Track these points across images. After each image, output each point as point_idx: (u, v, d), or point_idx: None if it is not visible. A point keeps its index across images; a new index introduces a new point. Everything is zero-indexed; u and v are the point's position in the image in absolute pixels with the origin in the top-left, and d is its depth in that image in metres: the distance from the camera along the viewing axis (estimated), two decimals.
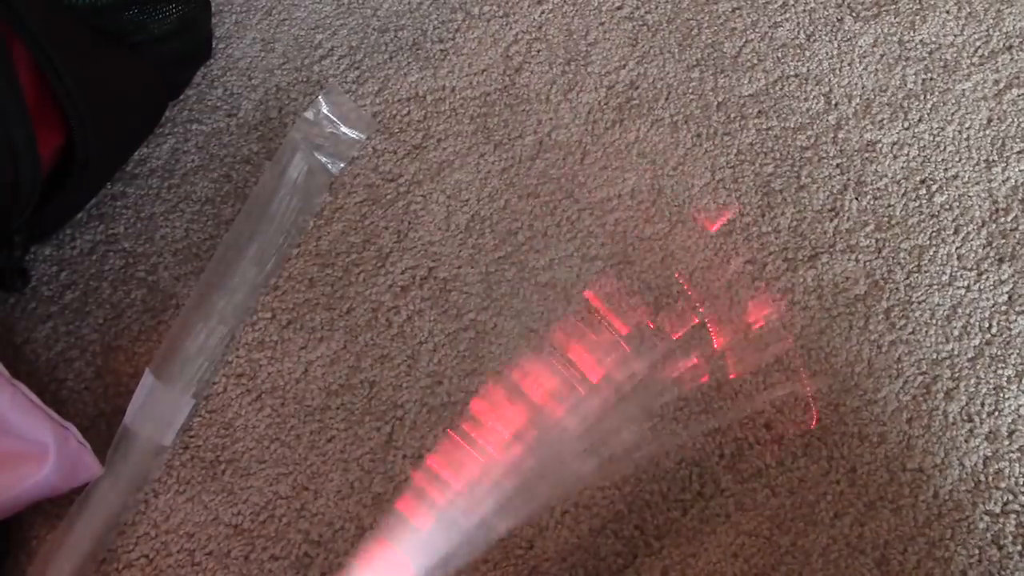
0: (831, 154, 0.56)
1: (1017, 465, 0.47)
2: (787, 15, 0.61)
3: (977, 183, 0.55)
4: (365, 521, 0.46)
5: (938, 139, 0.56)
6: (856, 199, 0.54)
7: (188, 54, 0.57)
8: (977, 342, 0.50)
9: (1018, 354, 0.50)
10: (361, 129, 0.56)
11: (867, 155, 0.56)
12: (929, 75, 0.59)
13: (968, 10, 0.61)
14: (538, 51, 0.60)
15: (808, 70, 0.59)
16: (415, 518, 0.45)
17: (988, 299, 0.51)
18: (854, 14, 0.61)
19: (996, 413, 0.48)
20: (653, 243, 0.53)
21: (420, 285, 0.52)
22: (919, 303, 0.51)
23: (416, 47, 0.60)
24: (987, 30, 0.60)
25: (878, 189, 0.55)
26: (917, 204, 0.54)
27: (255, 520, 0.46)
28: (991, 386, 0.49)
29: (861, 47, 0.60)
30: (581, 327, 0.50)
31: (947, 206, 0.54)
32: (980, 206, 0.54)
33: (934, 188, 0.55)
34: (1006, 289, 0.52)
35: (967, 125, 0.57)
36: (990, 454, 0.47)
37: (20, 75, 0.42)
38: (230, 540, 0.45)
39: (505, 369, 0.49)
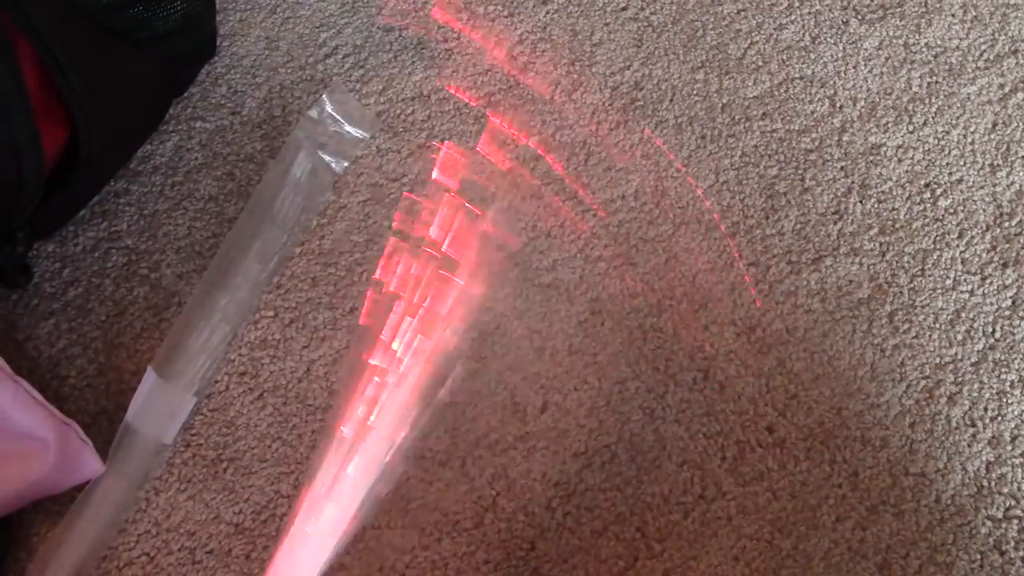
0: (835, 157, 0.56)
1: (1020, 470, 0.47)
2: (792, 17, 0.61)
3: (982, 187, 0.55)
4: (366, 521, 0.46)
5: (943, 143, 0.56)
6: (860, 202, 0.54)
7: (192, 51, 0.57)
8: (980, 347, 0.50)
9: (1022, 359, 0.50)
10: (365, 128, 0.56)
11: (871, 158, 0.56)
12: (934, 79, 0.58)
13: (973, 14, 0.61)
14: (543, 51, 0.60)
15: (813, 73, 0.59)
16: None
17: (992, 304, 0.51)
18: (859, 17, 0.61)
19: (999, 418, 0.48)
20: (657, 245, 0.53)
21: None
22: (923, 307, 0.51)
23: (421, 46, 0.60)
24: (992, 34, 0.60)
25: (882, 192, 0.55)
26: (921, 208, 0.54)
27: (256, 519, 0.46)
28: (994, 391, 0.49)
29: (866, 50, 0.60)
30: None
31: (951, 210, 0.54)
32: (984, 210, 0.54)
33: (938, 192, 0.55)
34: (1010, 294, 0.52)
35: (972, 129, 0.57)
36: (993, 459, 0.47)
37: (24, 71, 0.42)
38: (231, 539, 0.45)
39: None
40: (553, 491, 0.46)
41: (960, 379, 0.49)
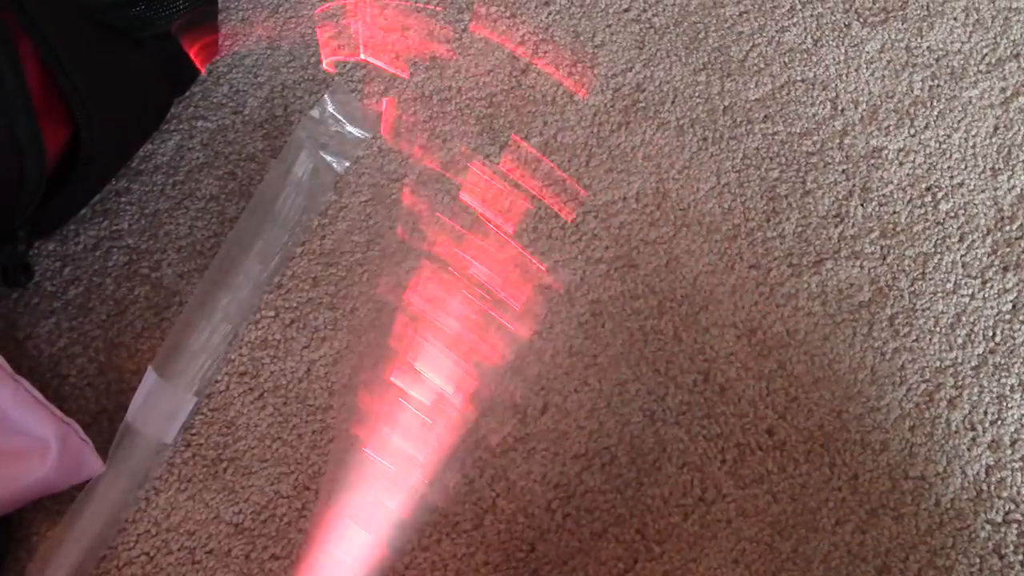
0: (837, 160, 0.56)
1: (1019, 474, 0.47)
2: (794, 20, 0.61)
3: (983, 191, 0.55)
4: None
5: (944, 146, 0.56)
6: (861, 205, 0.54)
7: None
8: (981, 350, 0.50)
9: (1022, 363, 0.50)
10: (367, 128, 0.56)
11: (873, 161, 0.56)
12: (936, 82, 0.58)
13: (976, 17, 0.61)
14: (545, 52, 0.60)
15: (815, 75, 0.59)
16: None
17: (992, 307, 0.51)
18: (861, 20, 0.61)
19: (999, 422, 0.48)
20: (658, 247, 0.53)
21: (424, 286, 0.52)
22: (923, 310, 0.51)
23: (422, 47, 0.60)
24: (994, 37, 0.60)
25: (883, 196, 0.55)
26: (922, 211, 0.54)
27: (256, 519, 0.46)
28: (994, 395, 0.49)
29: (868, 53, 0.60)
30: None
31: (952, 214, 0.54)
32: (985, 214, 0.54)
33: (940, 195, 0.55)
34: (1010, 298, 0.52)
35: (973, 132, 0.57)
36: (992, 463, 0.47)
37: (26, 70, 0.42)
38: (231, 539, 0.45)
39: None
40: (553, 493, 0.46)
41: (960, 383, 0.49)
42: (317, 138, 0.55)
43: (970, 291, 0.52)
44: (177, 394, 0.47)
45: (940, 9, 0.61)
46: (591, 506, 0.46)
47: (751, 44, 0.60)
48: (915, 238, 0.53)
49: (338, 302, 0.51)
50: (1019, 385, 0.49)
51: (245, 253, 0.51)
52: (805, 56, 0.60)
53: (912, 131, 0.57)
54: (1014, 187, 0.55)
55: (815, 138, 0.56)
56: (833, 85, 0.58)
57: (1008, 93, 0.58)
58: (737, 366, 0.49)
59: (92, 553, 0.44)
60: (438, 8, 0.61)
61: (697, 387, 0.49)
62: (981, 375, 0.49)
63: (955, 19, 0.61)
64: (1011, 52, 0.60)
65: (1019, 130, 0.57)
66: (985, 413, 0.48)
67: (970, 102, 0.58)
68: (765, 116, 0.57)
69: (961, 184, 0.55)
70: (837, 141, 0.56)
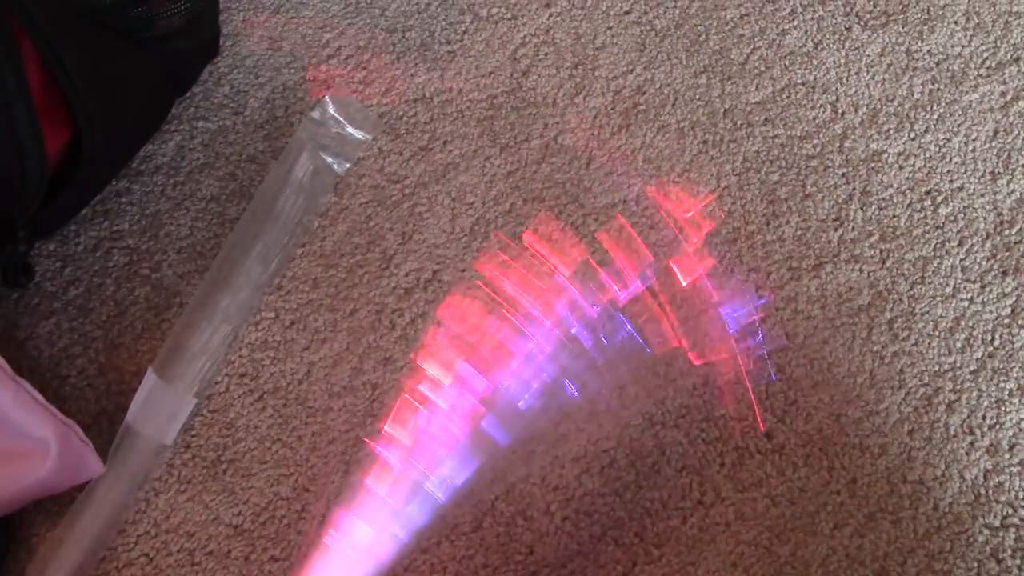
0: (837, 163, 0.56)
1: (1017, 479, 0.47)
2: (795, 23, 0.61)
3: (982, 195, 0.55)
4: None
5: (944, 150, 0.56)
6: (861, 209, 0.54)
7: (195, 51, 0.57)
8: (980, 355, 0.50)
9: (1020, 367, 0.50)
10: (367, 130, 0.56)
11: (873, 165, 0.56)
12: (936, 86, 0.59)
13: (976, 21, 0.61)
14: (546, 54, 0.60)
15: (815, 78, 0.59)
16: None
17: (991, 312, 0.51)
18: (862, 23, 0.61)
19: (997, 426, 0.48)
20: (658, 250, 0.53)
21: (424, 288, 0.52)
22: (922, 314, 0.51)
23: (424, 48, 0.60)
24: (995, 41, 0.60)
25: (883, 199, 0.55)
26: (922, 215, 0.54)
27: (256, 521, 0.46)
28: (993, 399, 0.49)
29: (868, 56, 0.60)
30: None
31: (952, 218, 0.54)
32: (985, 218, 0.54)
33: (939, 199, 0.55)
34: (1009, 302, 0.52)
35: (973, 137, 0.57)
36: (990, 467, 0.47)
37: (28, 71, 0.42)
38: (230, 540, 0.45)
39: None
40: (552, 496, 0.46)
41: (959, 387, 0.49)
42: (318, 139, 0.55)
43: (969, 295, 0.52)
44: (177, 395, 0.47)
45: (941, 13, 0.61)
46: (590, 509, 0.46)
47: (752, 47, 0.60)
48: (914, 242, 0.53)
49: (338, 304, 0.51)
50: (1017, 389, 0.49)
51: (245, 254, 0.51)
52: (806, 59, 0.60)
53: (912, 135, 0.57)
54: (1013, 191, 0.55)
55: (815, 141, 0.57)
56: (833, 88, 0.58)
57: (1008, 97, 0.58)
58: (736, 369, 0.50)
59: (92, 554, 0.44)
60: (439, 10, 0.61)
61: (696, 390, 0.49)
62: (980, 379, 0.49)
63: (955, 23, 0.61)
64: (1011, 56, 0.60)
65: (1019, 134, 0.57)
66: (983, 417, 0.48)
67: (970, 106, 0.58)
68: (765, 119, 0.57)
69: (961, 188, 0.55)
70: (837, 144, 0.56)
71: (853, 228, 0.54)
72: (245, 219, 0.52)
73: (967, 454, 0.48)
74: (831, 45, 0.60)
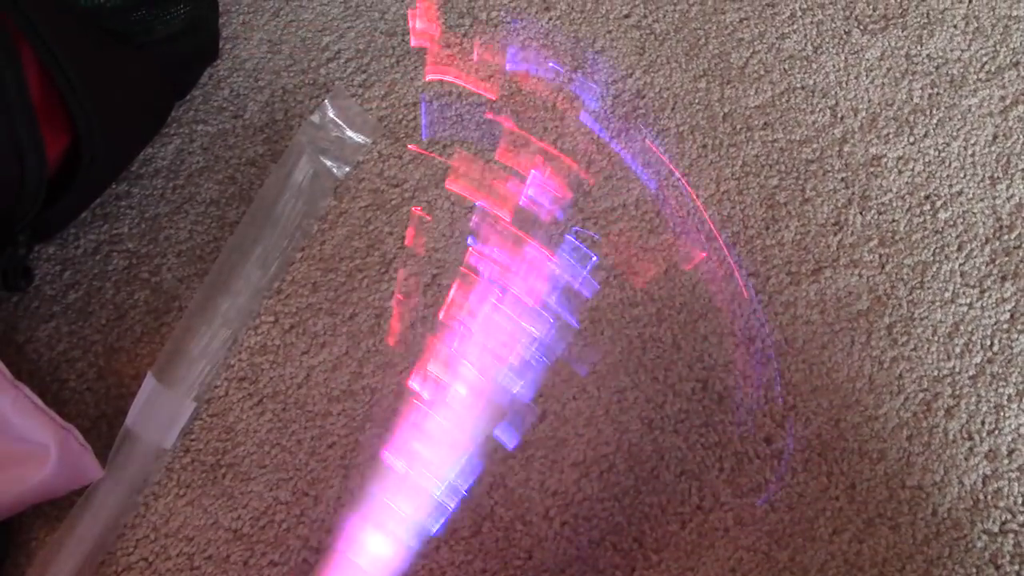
0: (836, 168, 0.56)
1: (1016, 484, 0.47)
2: (795, 27, 0.61)
3: (981, 200, 0.55)
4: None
5: (943, 155, 0.56)
6: (860, 214, 0.54)
7: (195, 55, 0.57)
8: (978, 360, 0.50)
9: (1019, 373, 0.50)
10: (367, 133, 0.56)
11: (872, 169, 0.56)
12: (935, 90, 0.59)
13: (975, 25, 0.61)
14: (545, 58, 0.60)
15: (815, 83, 0.59)
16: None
17: (990, 317, 0.51)
18: (862, 27, 0.61)
19: (996, 432, 0.48)
20: (657, 254, 0.53)
21: (424, 292, 0.52)
22: (921, 319, 0.51)
23: (423, 51, 0.60)
24: (994, 46, 0.60)
25: (882, 204, 0.55)
26: (921, 220, 0.54)
27: (255, 525, 0.46)
28: (992, 404, 0.49)
29: (868, 60, 0.60)
30: None
31: (951, 222, 0.54)
32: (984, 223, 0.54)
33: (938, 204, 0.55)
34: (1008, 307, 0.52)
35: (972, 141, 0.57)
36: (989, 473, 0.47)
37: (27, 75, 0.42)
38: (229, 545, 0.45)
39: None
40: (551, 500, 0.46)
41: (958, 392, 0.49)
42: (317, 143, 0.55)
43: (968, 300, 0.52)
44: (176, 399, 0.47)
45: (940, 17, 0.61)
46: (589, 514, 0.46)
47: (751, 51, 0.60)
48: (914, 247, 0.53)
49: (337, 308, 0.51)
50: (1016, 395, 0.49)
51: (245, 258, 0.51)
52: (805, 63, 0.60)
53: (911, 139, 0.57)
54: (1013, 196, 0.55)
55: (814, 146, 0.57)
56: (833, 93, 0.58)
57: (1007, 102, 0.58)
58: (735, 374, 0.50)
59: (91, 558, 0.44)
60: (437, 13, 0.61)
61: (695, 395, 0.49)
62: (979, 385, 0.50)
63: (955, 27, 0.61)
64: (1011, 60, 0.60)
65: (1018, 139, 0.57)
66: (982, 423, 0.49)
67: (969, 110, 0.58)
68: (765, 123, 0.57)
69: (960, 193, 0.55)
70: (836, 149, 0.56)
71: (852, 233, 0.54)
72: (244, 223, 0.52)
73: (966, 459, 0.48)
74: (830, 49, 0.60)
